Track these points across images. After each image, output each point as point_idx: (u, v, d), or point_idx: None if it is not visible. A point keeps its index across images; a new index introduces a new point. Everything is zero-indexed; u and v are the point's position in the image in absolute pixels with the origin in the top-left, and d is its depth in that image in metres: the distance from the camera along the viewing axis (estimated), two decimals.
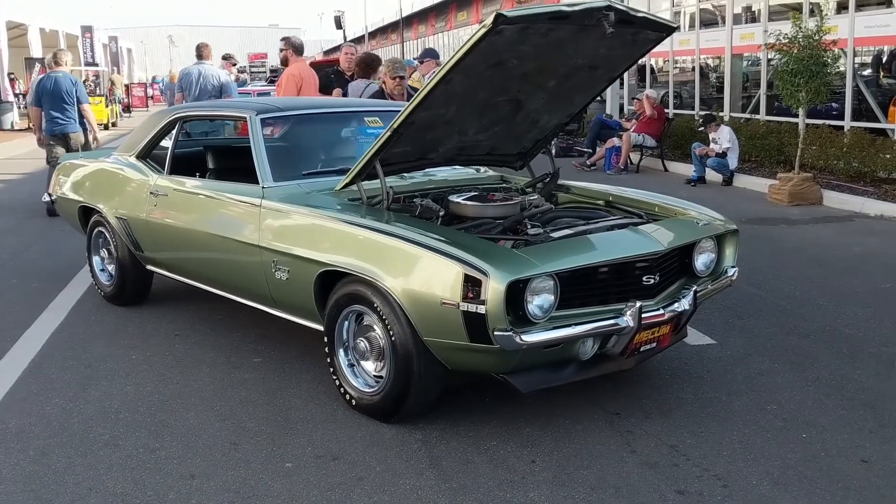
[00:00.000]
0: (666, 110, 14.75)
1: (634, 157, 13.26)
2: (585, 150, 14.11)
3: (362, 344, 3.86)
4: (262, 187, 4.44)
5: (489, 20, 3.38)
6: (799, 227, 8.63)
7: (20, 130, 25.52)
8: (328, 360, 4.03)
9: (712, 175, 11.54)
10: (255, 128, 4.65)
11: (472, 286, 3.31)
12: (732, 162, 11.32)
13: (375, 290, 3.66)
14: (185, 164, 5.26)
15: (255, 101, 5.57)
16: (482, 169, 5.19)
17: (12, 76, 30.46)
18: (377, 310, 3.67)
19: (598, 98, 19.12)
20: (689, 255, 4.14)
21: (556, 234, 3.81)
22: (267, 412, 3.99)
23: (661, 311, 3.73)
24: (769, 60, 12.78)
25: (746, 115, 13.83)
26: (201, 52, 9.73)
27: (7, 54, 28.70)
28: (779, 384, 4.29)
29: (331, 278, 3.93)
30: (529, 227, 4.13)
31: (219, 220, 4.65)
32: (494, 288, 3.24)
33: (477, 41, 3.45)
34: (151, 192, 5.17)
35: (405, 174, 4.70)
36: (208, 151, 5.11)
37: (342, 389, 3.97)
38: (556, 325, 3.46)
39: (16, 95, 30.13)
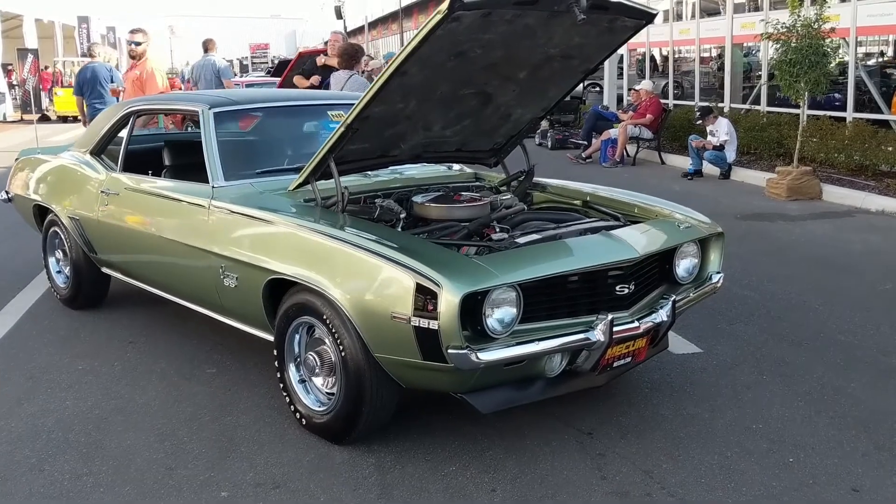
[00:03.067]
0: (665, 101, 14.41)
1: (631, 149, 12.92)
2: (581, 142, 13.77)
3: (312, 359, 3.56)
4: (213, 187, 4.14)
5: (444, 5, 3.06)
6: (797, 223, 8.30)
7: (13, 122, 25.24)
8: (278, 375, 3.74)
9: (710, 168, 11.20)
10: (207, 122, 4.34)
11: (423, 299, 3.00)
12: (730, 155, 10.98)
13: (325, 301, 3.36)
14: (140, 161, 4.95)
15: (211, 94, 5.25)
16: (455, 166, 4.87)
17: (10, 67, 30.17)
18: (327, 322, 3.37)
19: (597, 88, 18.81)
20: (669, 261, 3.83)
21: (521, 240, 3.50)
22: (211, 431, 3.70)
23: (636, 324, 3.42)
24: (772, 49, 12.42)
25: (747, 106, 13.48)
26: (206, 46, 10.52)
27: (1, 45, 28.43)
28: (766, 399, 3.99)
29: (280, 287, 3.63)
30: (498, 230, 3.84)
31: (168, 221, 4.35)
32: (448, 301, 2.94)
33: (432, 29, 3.14)
34: (102, 191, 4.87)
35: (369, 172, 4.39)
36: (165, 147, 4.81)
37: (293, 407, 3.67)
38: (520, 341, 3.16)
39: (11, 87, 29.81)
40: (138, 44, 8.52)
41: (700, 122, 11.34)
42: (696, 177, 11.18)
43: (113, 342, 4.89)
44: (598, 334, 3.28)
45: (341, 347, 3.34)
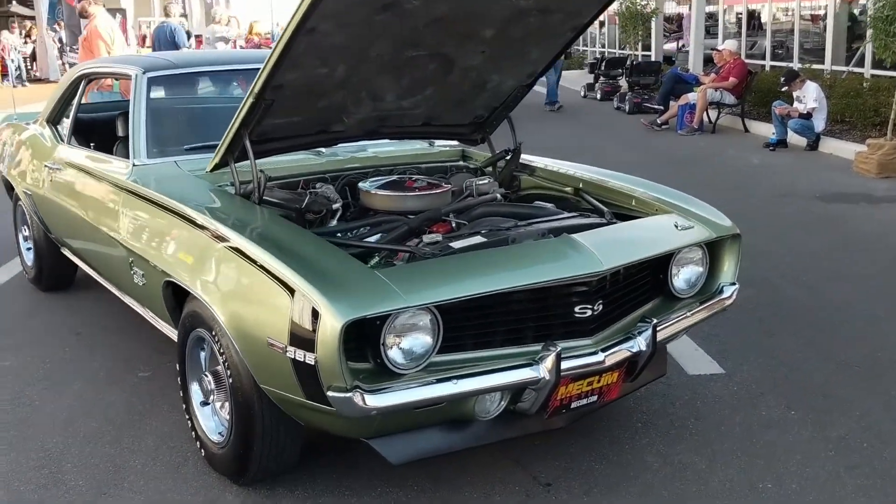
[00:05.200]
0: (762, 62, 13.12)
1: (712, 115, 11.80)
2: (656, 106, 12.71)
3: (207, 380, 2.95)
4: (133, 165, 3.56)
5: None
6: (882, 206, 7.18)
7: None
8: (181, 394, 3.15)
9: (796, 139, 10.04)
10: (139, 88, 3.75)
11: (300, 325, 2.34)
12: (819, 124, 9.79)
13: (212, 314, 2.74)
14: (95, 132, 4.41)
15: (153, 56, 4.66)
16: (438, 143, 4.15)
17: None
18: (215, 339, 2.75)
19: (681, 47, 17.52)
20: (665, 270, 3.04)
21: (457, 244, 2.77)
22: (104, 455, 3.14)
23: (600, 356, 2.67)
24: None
25: (848, 69, 12.11)
26: (166, 11, 10.96)
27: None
28: (787, 444, 3.17)
29: (182, 291, 3.02)
30: (454, 224, 3.14)
31: (90, 202, 3.81)
32: (327, 329, 2.26)
33: None
34: (47, 165, 4.36)
35: (323, 150, 3.73)
36: (119, 117, 4.25)
37: (194, 433, 3.08)
38: (439, 377, 2.46)
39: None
40: None
41: (785, 86, 10.15)
42: (780, 147, 10.05)
43: (60, 332, 4.41)
44: (541, 370, 2.55)
45: (229, 371, 2.72)
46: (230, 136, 3.06)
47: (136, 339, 4.20)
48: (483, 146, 3.94)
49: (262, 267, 2.51)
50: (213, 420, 3.02)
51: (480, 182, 3.62)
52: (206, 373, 2.95)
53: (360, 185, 3.35)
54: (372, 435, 2.57)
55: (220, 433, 2.96)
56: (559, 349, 2.55)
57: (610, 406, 3.15)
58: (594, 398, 2.78)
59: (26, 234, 5.08)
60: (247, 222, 2.88)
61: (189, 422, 3.10)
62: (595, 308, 2.70)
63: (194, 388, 3.08)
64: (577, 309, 2.68)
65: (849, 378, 3.74)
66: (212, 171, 3.24)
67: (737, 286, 3.20)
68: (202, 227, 2.87)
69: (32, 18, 25.34)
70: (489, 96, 3.64)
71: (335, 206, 3.22)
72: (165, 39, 9.69)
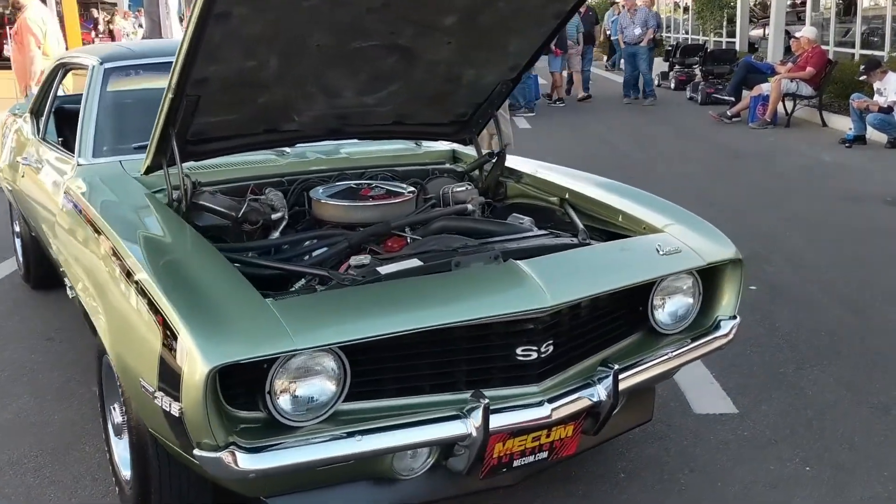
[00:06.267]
0: (851, 51, 12.20)
1: (788, 107, 11.01)
2: (727, 98, 11.95)
3: (116, 410, 2.64)
4: (77, 164, 3.27)
5: None
6: None
7: None
8: (101, 420, 2.85)
9: (875, 135, 9.23)
10: (95, 80, 3.46)
11: (168, 368, 1.99)
12: None
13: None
14: (68, 124, 4.15)
15: (111, 47, 4.38)
16: (426, 143, 3.73)
17: None
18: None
19: (761, 36, 16.51)
20: (645, 301, 2.58)
21: (384, 269, 2.36)
22: (20, 485, 2.88)
23: (544, 410, 2.23)
24: None
25: None
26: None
27: None
28: None
29: None
30: (409, 240, 2.74)
31: (41, 203, 3.54)
32: (194, 375, 1.89)
33: None
34: (19, 159, 4.13)
35: (287, 150, 3.38)
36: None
37: (111, 468, 2.77)
38: (343, 432, 2.07)
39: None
40: None
41: (865, 77, 9.33)
42: (857, 144, 9.25)
43: (31, 336, 4.19)
44: (469, 426, 2.13)
45: (125, 407, 2.40)
46: (157, 136, 2.71)
47: None
48: (465, 146, 3.52)
49: (144, 294, 2.17)
50: (127, 452, 2.70)
51: (457, 189, 3.21)
52: (116, 402, 2.63)
53: (311, 192, 2.98)
54: (273, 493, 2.20)
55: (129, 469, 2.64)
56: (486, 402, 2.12)
57: (597, 447, 2.72)
58: (544, 454, 2.34)
59: (16, 229, 4.90)
60: (152, 239, 2.54)
61: (107, 452, 2.80)
62: (542, 350, 2.26)
63: (110, 416, 2.78)
64: (518, 351, 2.24)
65: (884, 427, 3.19)
66: (145, 173, 2.91)
67: (737, 320, 2.70)
68: (105, 243, 2.54)
69: (114, 5, 25.82)
70: (468, 92, 3.21)
71: (275, 216, 2.85)
72: None
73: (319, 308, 2.14)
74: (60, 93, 4.33)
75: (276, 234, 2.85)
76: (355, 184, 3.06)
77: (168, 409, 1.97)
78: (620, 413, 2.55)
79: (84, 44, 18.02)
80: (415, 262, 2.39)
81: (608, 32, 18.35)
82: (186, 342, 1.92)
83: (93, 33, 26.59)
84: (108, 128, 3.38)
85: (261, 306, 2.08)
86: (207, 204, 2.83)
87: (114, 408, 2.68)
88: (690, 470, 2.91)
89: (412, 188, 3.07)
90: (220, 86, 2.64)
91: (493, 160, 3.35)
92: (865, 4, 14.05)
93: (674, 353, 2.56)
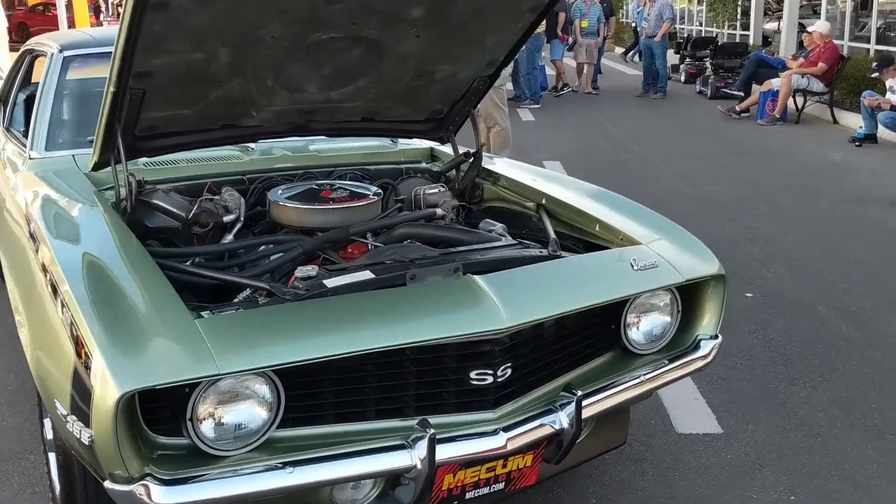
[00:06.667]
0: (866, 46, 11.91)
1: (798, 103, 10.75)
2: (736, 92, 11.70)
3: (47, 426, 2.48)
4: (29, 157, 3.11)
5: None
6: None
7: None
8: (40, 432, 2.69)
9: (887, 134, 8.97)
10: (53, 69, 3.30)
11: (79, 391, 1.82)
12: None
13: None
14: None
15: (74, 34, 4.21)
16: (403, 141, 3.55)
17: None
18: None
19: (776, 30, 16.17)
20: (616, 318, 2.39)
21: (331, 282, 2.17)
22: None
23: (498, 441, 2.05)
24: None
25: None
26: None
27: None
28: None
29: None
30: (370, 246, 2.56)
31: None
32: (104, 401, 1.72)
33: None
34: None
35: (251, 146, 3.20)
36: None
37: (49, 481, 2.61)
38: (276, 462, 1.90)
39: None
40: None
41: (876, 73, 9.07)
42: (868, 143, 9.00)
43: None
44: (414, 457, 1.96)
45: (52, 423, 2.23)
46: (101, 132, 2.54)
47: None
48: (442, 144, 3.33)
49: (67, 308, 1.99)
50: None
51: (429, 192, 3.03)
52: (47, 418, 2.47)
53: (269, 193, 2.80)
54: None
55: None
56: (431, 433, 1.94)
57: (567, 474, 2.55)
58: (500, 486, 2.17)
59: None
60: (84, 246, 2.36)
61: (46, 465, 2.64)
62: (499, 374, 2.08)
63: (43, 430, 2.62)
64: (472, 375, 2.06)
65: (877, 452, 3.00)
66: (93, 170, 2.73)
67: (719, 340, 2.51)
68: (39, 249, 2.37)
69: None
70: (443, 89, 3.02)
71: (227, 218, 2.68)
72: None
73: (252, 327, 1.96)
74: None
75: (229, 238, 2.67)
76: (317, 184, 2.88)
77: (79, 436, 1.81)
78: (589, 437, 2.39)
79: (92, 26, 17.77)
80: (366, 275, 2.21)
81: (633, 24, 18.08)
82: (99, 364, 1.76)
83: (101, 16, 26.30)
84: (63, 119, 3.21)
85: (187, 325, 1.90)
86: (159, 203, 2.67)
87: (45, 422, 2.52)
88: (668, 497, 2.74)
89: (378, 190, 2.89)
90: (168, 79, 2.47)
91: (470, 160, 3.16)
92: None
93: (647, 376, 2.37)
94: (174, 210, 2.66)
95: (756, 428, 3.15)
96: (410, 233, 2.60)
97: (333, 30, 2.53)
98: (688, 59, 15.14)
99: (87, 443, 1.78)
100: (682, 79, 14.96)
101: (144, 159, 2.92)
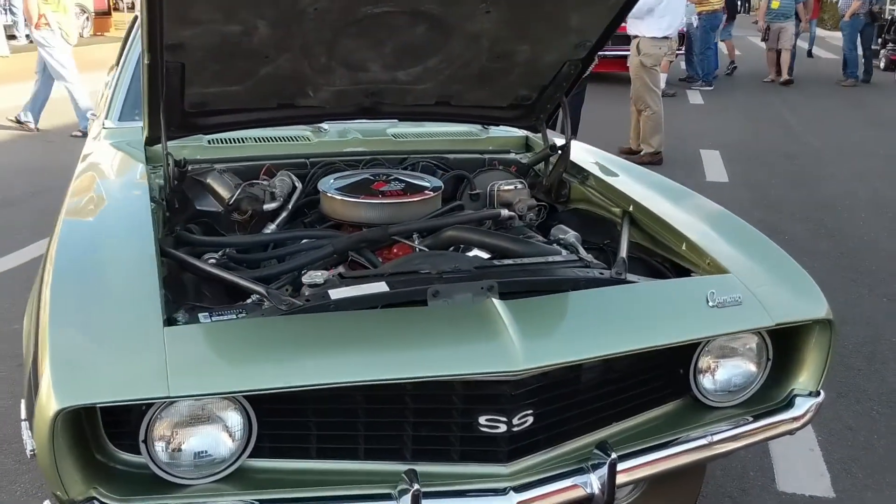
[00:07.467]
0: None
1: None
2: None
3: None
4: (103, 126, 3.04)
5: None
6: None
7: None
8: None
9: None
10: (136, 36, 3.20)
11: (29, 401, 1.66)
12: None
13: None
14: None
15: None
16: (492, 128, 3.20)
17: None
18: None
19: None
20: (687, 361, 1.98)
21: (336, 293, 1.89)
22: None
23: (508, 501, 1.71)
24: None
25: None
26: None
27: None
28: None
29: None
30: (417, 249, 2.27)
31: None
32: (42, 416, 1.54)
33: None
34: None
35: (324, 126, 2.98)
36: None
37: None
38: (249, 497, 1.66)
39: None
40: None
41: None
42: None
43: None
44: None
45: None
46: (146, 106, 2.38)
47: None
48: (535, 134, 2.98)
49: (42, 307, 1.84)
50: None
51: (505, 188, 2.69)
52: None
53: (320, 182, 2.55)
54: None
55: None
56: (416, 489, 1.63)
57: None
58: None
59: None
60: (95, 230, 2.21)
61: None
62: (515, 422, 1.74)
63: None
64: (482, 420, 1.73)
65: None
66: (148, 145, 2.58)
67: (819, 398, 2.04)
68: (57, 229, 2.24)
69: None
70: (527, 72, 2.66)
71: (268, 206, 2.46)
72: None
73: (225, 342, 1.71)
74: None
75: (272, 228, 2.46)
76: (372, 174, 2.61)
77: (27, 446, 1.65)
78: (641, 498, 2.00)
79: None
80: (380, 287, 1.91)
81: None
82: (46, 375, 1.57)
83: None
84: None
85: (153, 335, 1.68)
86: (210, 183, 2.52)
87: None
88: None
89: (438, 183, 2.57)
90: (205, 53, 2.26)
91: (557, 154, 2.79)
92: None
93: (717, 437, 1.95)
94: (220, 192, 2.49)
95: (875, 498, 2.62)
96: (458, 237, 2.28)
97: (386, 3, 2.24)
98: (890, 44, 13.74)
99: (29, 456, 1.62)
100: (882, 65, 13.59)
101: (208, 136, 2.78)
